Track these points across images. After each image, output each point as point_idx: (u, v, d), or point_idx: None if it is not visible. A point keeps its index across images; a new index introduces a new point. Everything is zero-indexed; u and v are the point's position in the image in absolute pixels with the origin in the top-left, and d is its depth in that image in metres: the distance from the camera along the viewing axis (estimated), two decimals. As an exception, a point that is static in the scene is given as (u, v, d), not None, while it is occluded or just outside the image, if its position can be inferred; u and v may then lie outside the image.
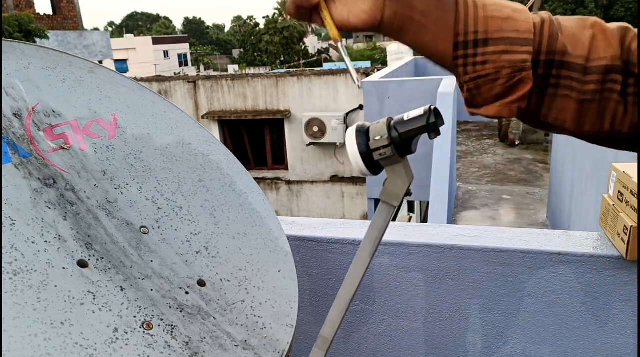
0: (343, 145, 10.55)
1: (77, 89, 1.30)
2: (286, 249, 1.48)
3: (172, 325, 1.09)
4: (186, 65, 47.24)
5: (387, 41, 51.71)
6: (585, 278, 1.50)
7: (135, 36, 53.70)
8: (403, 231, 1.70)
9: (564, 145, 4.60)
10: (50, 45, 10.19)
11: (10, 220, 1.00)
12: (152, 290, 1.12)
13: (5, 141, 1.09)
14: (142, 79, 12.31)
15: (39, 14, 17.52)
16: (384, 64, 27.31)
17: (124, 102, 1.39)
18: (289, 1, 0.80)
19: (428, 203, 5.44)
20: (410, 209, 11.21)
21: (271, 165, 11.74)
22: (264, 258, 1.40)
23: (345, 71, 10.51)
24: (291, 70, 14.14)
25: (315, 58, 49.14)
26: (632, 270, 1.45)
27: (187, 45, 49.94)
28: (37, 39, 14.13)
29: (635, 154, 2.31)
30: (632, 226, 1.37)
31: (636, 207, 1.38)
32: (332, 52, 54.32)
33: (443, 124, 1.15)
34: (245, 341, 1.18)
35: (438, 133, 1.14)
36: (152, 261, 1.18)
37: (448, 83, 6.18)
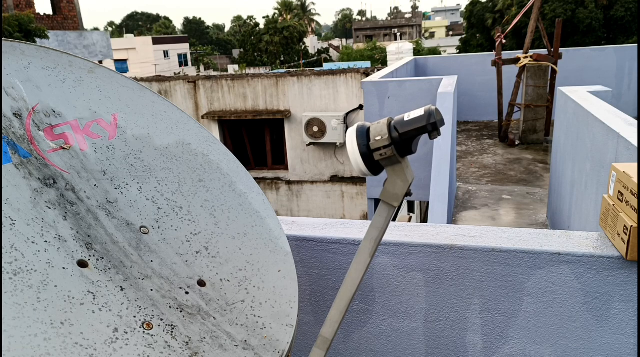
0: (343, 145, 10.55)
1: (77, 89, 1.30)
2: (286, 249, 1.48)
3: (172, 325, 1.09)
4: (186, 65, 47.23)
5: (387, 41, 51.67)
6: (585, 278, 1.50)
7: (135, 36, 53.67)
8: (403, 231, 1.70)
9: (564, 145, 4.60)
10: (50, 45, 10.19)
11: (10, 220, 1.00)
12: (152, 290, 1.12)
13: (6, 141, 1.09)
14: (142, 79, 12.30)
15: (39, 14, 17.52)
16: (384, 64, 27.31)
17: (124, 102, 1.39)
18: None
19: (428, 203, 5.44)
20: (410, 209, 11.20)
21: (271, 166, 11.73)
22: (264, 258, 1.40)
23: (346, 71, 10.51)
24: (291, 70, 14.13)
25: (315, 58, 49.13)
26: (632, 270, 1.45)
27: (187, 45, 49.93)
28: (37, 39, 14.12)
29: (635, 154, 2.30)
30: (632, 226, 1.37)
31: (636, 207, 1.38)
32: (332, 52, 54.29)
33: (443, 124, 1.15)
34: (245, 341, 1.18)
35: (438, 133, 1.15)
36: (152, 261, 1.18)
37: (448, 83, 6.17)
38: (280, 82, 10.80)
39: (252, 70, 38.68)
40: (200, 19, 79.68)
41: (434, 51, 39.01)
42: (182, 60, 47.75)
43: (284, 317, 1.30)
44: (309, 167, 11.21)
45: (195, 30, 75.86)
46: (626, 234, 1.40)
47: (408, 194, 1.21)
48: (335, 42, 71.96)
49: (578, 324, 1.54)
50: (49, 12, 19.34)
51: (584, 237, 1.58)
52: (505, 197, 6.32)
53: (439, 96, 5.61)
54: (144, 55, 42.97)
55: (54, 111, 1.22)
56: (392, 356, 1.77)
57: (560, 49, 8.36)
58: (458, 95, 7.79)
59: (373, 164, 1.18)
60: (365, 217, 10.71)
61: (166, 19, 79.40)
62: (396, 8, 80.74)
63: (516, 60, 8.38)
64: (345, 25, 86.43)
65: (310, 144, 10.80)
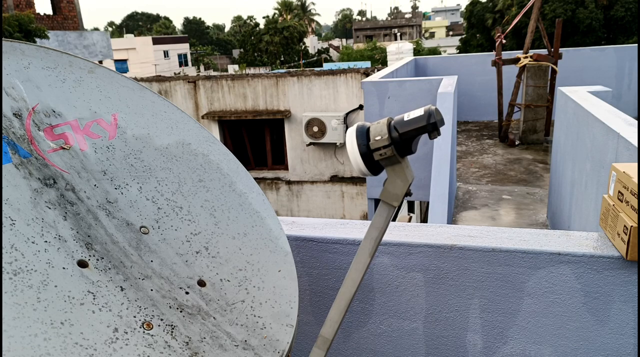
0: (343, 145, 10.54)
1: (77, 89, 1.30)
2: (286, 249, 1.48)
3: (172, 325, 1.09)
4: (186, 65, 47.21)
5: (387, 41, 51.65)
6: (585, 278, 1.50)
7: (135, 36, 53.67)
8: (403, 231, 1.70)
9: (564, 145, 4.60)
10: (50, 45, 10.19)
11: (10, 220, 1.00)
12: (152, 290, 1.12)
13: (5, 141, 1.09)
14: (142, 79, 12.30)
15: (39, 14, 17.52)
16: (384, 64, 27.30)
17: (124, 102, 1.39)
18: None
19: (428, 203, 5.44)
20: (410, 209, 11.20)
21: (271, 166, 11.72)
22: (264, 258, 1.40)
23: (346, 71, 10.51)
24: (291, 70, 14.13)
25: (315, 58, 49.11)
26: (632, 270, 1.45)
27: (187, 45, 49.91)
28: (37, 39, 14.12)
29: (635, 154, 2.30)
30: (632, 226, 1.37)
31: (636, 207, 1.38)
32: (332, 52, 54.26)
33: (443, 124, 1.15)
34: (245, 341, 1.18)
35: (438, 133, 1.15)
36: (152, 261, 1.18)
37: (448, 83, 6.17)
38: (280, 82, 10.80)
39: (252, 70, 38.68)
40: (200, 19, 79.67)
41: (434, 51, 39.00)
42: (182, 60, 47.73)
43: (284, 317, 1.30)
44: (309, 167, 11.21)
45: (195, 30, 75.84)
46: (626, 234, 1.40)
47: (408, 194, 1.21)
48: (335, 42, 71.93)
49: (578, 324, 1.54)
50: (49, 12, 19.36)
51: (584, 237, 1.58)
52: (505, 197, 6.32)
53: (439, 96, 5.61)
54: (144, 55, 42.96)
55: (54, 111, 1.22)
56: (392, 356, 1.77)
57: (560, 49, 8.36)
58: (458, 95, 7.79)
59: (373, 164, 1.18)
60: (365, 217, 10.71)
61: (166, 19, 79.39)
62: (396, 8, 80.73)
63: (516, 60, 8.38)
64: (345, 25, 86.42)
65: (310, 144, 10.80)
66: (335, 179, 11.08)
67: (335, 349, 1.82)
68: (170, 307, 1.12)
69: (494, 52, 9.08)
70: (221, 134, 11.52)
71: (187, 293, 1.18)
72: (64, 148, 1.19)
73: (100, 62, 18.72)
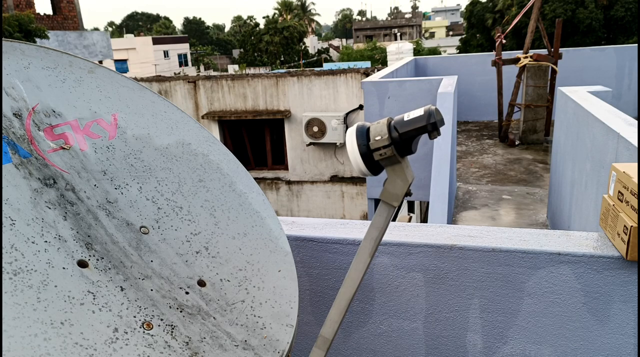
0: (343, 145, 10.54)
1: (77, 89, 1.30)
2: (286, 249, 1.48)
3: (172, 325, 1.09)
4: (186, 65, 47.22)
5: (387, 41, 51.65)
6: (585, 278, 1.50)
7: (135, 36, 53.69)
8: (403, 231, 1.70)
9: (564, 145, 4.60)
10: (50, 45, 10.20)
11: (10, 220, 1.00)
12: (152, 290, 1.12)
13: (5, 141, 1.09)
14: (142, 79, 12.30)
15: (39, 14, 17.53)
16: (384, 64, 27.31)
17: (124, 102, 1.39)
18: None
19: (428, 203, 5.44)
20: (410, 209, 11.20)
21: (271, 166, 11.73)
22: (264, 258, 1.40)
23: (346, 71, 10.51)
24: (291, 70, 14.12)
25: (315, 58, 49.12)
26: (632, 270, 1.45)
27: (187, 45, 49.93)
28: (37, 39, 14.13)
29: (635, 154, 2.30)
30: (632, 226, 1.37)
31: (636, 207, 1.38)
32: (332, 52, 54.26)
33: (443, 124, 1.15)
34: (245, 341, 1.18)
35: (438, 133, 1.15)
36: (152, 261, 1.18)
37: (448, 83, 6.17)
38: (280, 82, 10.80)
39: (252, 70, 38.68)
40: (200, 19, 79.67)
41: (434, 51, 38.99)
42: (182, 60, 47.74)
43: (284, 317, 1.30)
44: (309, 167, 11.21)
45: (195, 30, 75.84)
46: (626, 234, 1.40)
47: (408, 194, 1.21)
48: (335, 42, 71.91)
49: (578, 324, 1.54)
50: (49, 12, 19.37)
51: (584, 237, 1.58)
52: (505, 197, 6.32)
53: (439, 96, 5.61)
54: (144, 55, 42.97)
55: (54, 111, 1.22)
56: (392, 356, 1.77)
57: (560, 49, 8.36)
58: (458, 95, 7.79)
59: (373, 164, 1.18)
60: (365, 217, 10.71)
61: (166, 19, 79.41)
62: (396, 8, 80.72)
63: (516, 60, 8.38)
64: (345, 25, 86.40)
65: (310, 144, 10.80)
66: (335, 179, 11.08)
67: (335, 349, 1.82)
68: (170, 307, 1.12)
69: (494, 52, 9.08)
70: (221, 134, 11.52)
71: (187, 293, 1.18)
72: (64, 148, 1.19)
73: (100, 62, 18.73)
